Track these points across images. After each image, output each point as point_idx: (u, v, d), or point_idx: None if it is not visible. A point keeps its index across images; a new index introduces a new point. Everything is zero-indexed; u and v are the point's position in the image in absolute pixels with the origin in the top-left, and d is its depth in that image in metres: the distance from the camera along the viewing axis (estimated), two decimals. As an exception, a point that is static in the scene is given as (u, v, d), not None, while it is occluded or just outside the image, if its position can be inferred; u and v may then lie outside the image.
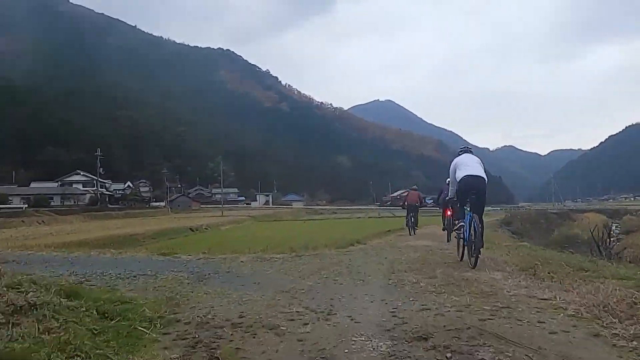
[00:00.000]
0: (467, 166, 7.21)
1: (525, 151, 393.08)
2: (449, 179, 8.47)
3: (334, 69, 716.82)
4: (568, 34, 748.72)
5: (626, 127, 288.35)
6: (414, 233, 16.61)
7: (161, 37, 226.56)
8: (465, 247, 7.22)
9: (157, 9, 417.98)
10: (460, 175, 7.12)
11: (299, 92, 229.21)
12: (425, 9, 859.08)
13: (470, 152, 7.76)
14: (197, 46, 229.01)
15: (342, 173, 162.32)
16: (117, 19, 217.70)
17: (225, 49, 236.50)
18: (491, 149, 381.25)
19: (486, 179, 7.11)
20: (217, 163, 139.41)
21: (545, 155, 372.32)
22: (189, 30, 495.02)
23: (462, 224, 7.19)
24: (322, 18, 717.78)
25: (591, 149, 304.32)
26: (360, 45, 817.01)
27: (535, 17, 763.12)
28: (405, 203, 17.71)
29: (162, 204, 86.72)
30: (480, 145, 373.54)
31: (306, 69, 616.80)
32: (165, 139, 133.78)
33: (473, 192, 6.98)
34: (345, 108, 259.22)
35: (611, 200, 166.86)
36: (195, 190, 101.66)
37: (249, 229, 37.75)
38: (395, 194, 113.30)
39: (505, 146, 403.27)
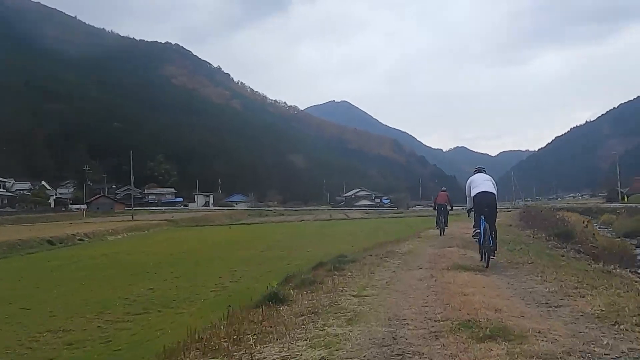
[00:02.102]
0: (480, 184, 9.02)
1: (477, 152, 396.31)
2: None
3: (289, 69, 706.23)
4: (515, 40, 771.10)
5: (571, 129, 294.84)
6: (444, 234, 16.40)
7: (103, 29, 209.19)
8: (481, 249, 8.89)
9: (101, 1, 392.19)
10: (474, 192, 8.97)
11: (251, 89, 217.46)
12: (379, 13, 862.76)
13: (483, 171, 9.61)
14: (143, 40, 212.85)
15: (296, 173, 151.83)
16: (55, 9, 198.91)
17: (173, 43, 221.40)
18: (444, 150, 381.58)
19: (496, 194, 9.02)
20: (158, 162, 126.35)
21: (495, 156, 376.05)
22: (137, 25, 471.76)
23: (478, 230, 8.86)
24: (277, 19, 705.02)
25: (539, 149, 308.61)
26: (315, 47, 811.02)
27: (485, 23, 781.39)
28: (435, 205, 17.65)
29: (84, 206, 73.56)
30: (434, 147, 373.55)
31: (261, 68, 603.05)
32: (98, 136, 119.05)
33: (485, 205, 8.78)
34: (302, 108, 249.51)
35: (559, 199, 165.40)
36: (124, 190, 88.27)
37: (139, 242, 26.91)
38: (350, 193, 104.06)
39: (457, 147, 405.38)
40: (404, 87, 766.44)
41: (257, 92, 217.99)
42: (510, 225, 22.04)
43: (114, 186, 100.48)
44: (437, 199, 17.65)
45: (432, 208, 18.36)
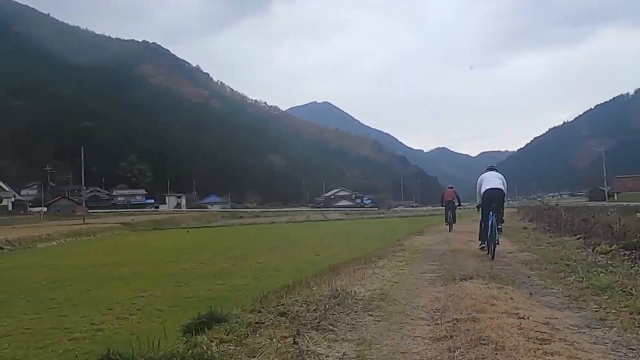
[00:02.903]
0: (489, 181, 9.60)
1: (457, 153, 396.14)
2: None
3: (271, 70, 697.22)
4: (496, 42, 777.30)
5: (549, 130, 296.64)
6: (452, 229, 16.45)
7: (77, 26, 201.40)
8: (487, 241, 9.45)
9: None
10: (483, 188, 9.58)
11: (231, 89, 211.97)
12: (361, 14, 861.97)
13: (494, 169, 10.12)
14: (119, 38, 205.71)
15: (276, 173, 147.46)
16: (27, 5, 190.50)
17: (151, 42, 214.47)
18: (425, 151, 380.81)
19: (504, 190, 9.58)
20: (131, 162, 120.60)
21: (475, 157, 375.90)
22: (114, 24, 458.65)
23: (483, 245, 9.81)
24: (258, 19, 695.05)
25: (518, 150, 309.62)
26: (297, 48, 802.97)
27: (465, 25, 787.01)
28: (443, 201, 17.70)
29: (44, 208, 68.17)
30: (415, 147, 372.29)
31: (242, 69, 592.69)
32: (67, 135, 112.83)
33: (493, 201, 9.33)
34: (283, 109, 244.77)
35: (539, 199, 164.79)
36: (90, 192, 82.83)
37: (67, 250, 22.68)
38: (329, 193, 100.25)
39: (438, 148, 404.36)
40: (386, 89, 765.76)
41: (237, 92, 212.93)
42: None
43: (85, 188, 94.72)
44: (444, 195, 17.71)
45: (440, 205, 18.83)
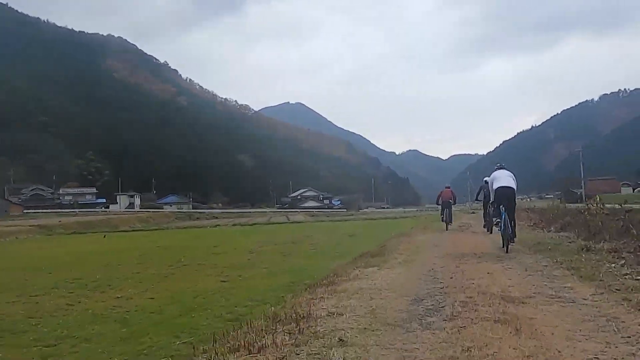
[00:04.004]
0: (501, 179, 9.86)
1: (428, 155, 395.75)
2: (486, 178, 12.81)
3: (243, 70, 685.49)
4: (466, 47, 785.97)
5: (518, 133, 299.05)
6: (448, 229, 16.68)
7: (38, 18, 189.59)
8: (502, 237, 9.60)
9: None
10: (496, 186, 9.87)
11: (200, 86, 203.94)
12: (335, 17, 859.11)
13: (504, 168, 10.34)
14: (82, 31, 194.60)
15: (244, 173, 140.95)
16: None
17: (117, 36, 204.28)
18: (397, 153, 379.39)
19: (515, 188, 9.84)
20: (87, 159, 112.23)
21: (446, 159, 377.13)
22: (80, 18, 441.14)
23: (499, 220, 9.83)
24: (231, 19, 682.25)
25: (487, 153, 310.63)
26: (270, 48, 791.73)
27: (438, 30, 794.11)
28: (440, 200, 17.77)
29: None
30: (387, 149, 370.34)
31: (214, 68, 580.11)
32: (20, 130, 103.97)
33: (505, 199, 9.67)
34: (256, 109, 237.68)
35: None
36: (32, 190, 74.88)
37: None
38: (295, 194, 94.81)
39: (410, 150, 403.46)
40: (359, 91, 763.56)
41: (206, 89, 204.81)
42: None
43: (37, 188, 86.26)
44: (441, 195, 17.83)
45: (437, 203, 18.72)
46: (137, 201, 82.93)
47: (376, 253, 9.93)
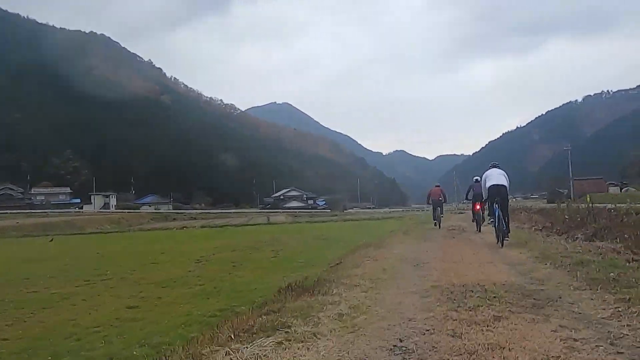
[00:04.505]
0: (493, 177, 10.16)
1: (415, 156, 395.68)
2: (476, 177, 14.27)
3: (230, 69, 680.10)
4: (452, 49, 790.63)
5: (503, 134, 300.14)
6: (440, 227, 16.37)
7: (18, 14, 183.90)
8: (497, 232, 9.83)
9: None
10: (488, 184, 10.13)
11: (185, 85, 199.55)
12: (322, 18, 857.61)
13: (497, 166, 10.58)
14: (64, 28, 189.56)
15: (229, 173, 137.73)
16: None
17: (99, 33, 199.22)
18: (384, 153, 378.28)
19: (507, 186, 10.12)
20: (65, 158, 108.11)
21: (432, 160, 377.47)
22: (64, 16, 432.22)
23: (492, 219, 10.12)
24: (218, 18, 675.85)
25: (473, 153, 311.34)
26: (257, 48, 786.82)
27: (424, 32, 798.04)
28: (430, 199, 17.44)
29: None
30: (374, 150, 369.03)
31: (200, 67, 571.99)
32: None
33: (498, 196, 9.90)
34: (243, 109, 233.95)
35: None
36: (1, 190, 71.15)
37: None
38: (278, 194, 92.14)
39: (396, 151, 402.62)
40: (346, 91, 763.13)
41: (191, 88, 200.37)
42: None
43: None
44: (431, 194, 17.41)
45: (427, 202, 18.36)
46: (113, 201, 79.47)
47: (311, 287, 5.85)
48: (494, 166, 10.67)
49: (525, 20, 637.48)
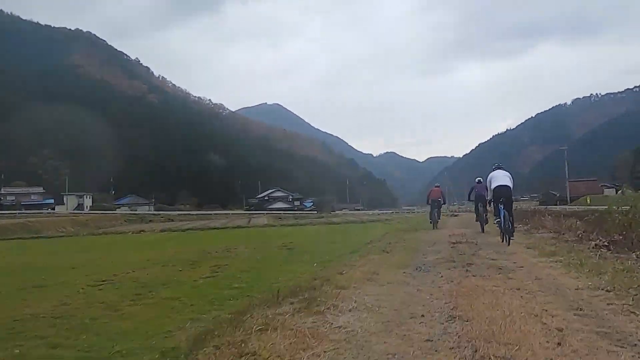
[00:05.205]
0: (498, 178, 10.24)
1: (405, 157, 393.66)
2: (478, 178, 14.67)
3: (221, 70, 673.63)
4: (443, 52, 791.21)
5: (493, 136, 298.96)
6: (437, 227, 16.25)
7: (1, 10, 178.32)
8: (502, 232, 9.94)
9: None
10: (493, 185, 10.22)
11: (173, 85, 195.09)
12: (312, 19, 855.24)
13: (502, 168, 10.67)
14: (48, 25, 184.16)
15: (216, 173, 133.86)
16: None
17: (85, 30, 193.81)
18: (375, 155, 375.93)
19: (512, 187, 10.24)
20: (43, 158, 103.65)
21: (423, 162, 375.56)
22: (50, 13, 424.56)
23: (498, 219, 10.07)
24: (208, 19, 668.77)
25: (463, 155, 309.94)
26: (248, 49, 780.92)
27: (415, 34, 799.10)
28: (429, 199, 17.22)
29: None
30: (364, 151, 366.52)
31: (191, 68, 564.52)
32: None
33: (502, 196, 10.01)
34: (233, 110, 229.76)
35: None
36: (-34, 190, 66.88)
37: None
38: (263, 194, 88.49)
39: (387, 152, 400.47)
40: (337, 93, 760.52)
41: (180, 88, 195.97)
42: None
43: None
44: (430, 194, 17.26)
45: (426, 203, 17.96)
46: (89, 202, 75.26)
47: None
48: (498, 167, 10.70)
49: (516, 24, 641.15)
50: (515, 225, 10.37)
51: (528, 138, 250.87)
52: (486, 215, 13.75)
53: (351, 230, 24.56)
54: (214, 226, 38.14)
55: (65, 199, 72.49)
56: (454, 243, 10.45)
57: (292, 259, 12.19)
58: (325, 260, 10.38)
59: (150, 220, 57.58)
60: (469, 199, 16.70)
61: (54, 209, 66.28)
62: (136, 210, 67.24)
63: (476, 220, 14.91)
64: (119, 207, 72.54)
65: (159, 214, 62.30)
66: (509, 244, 9.40)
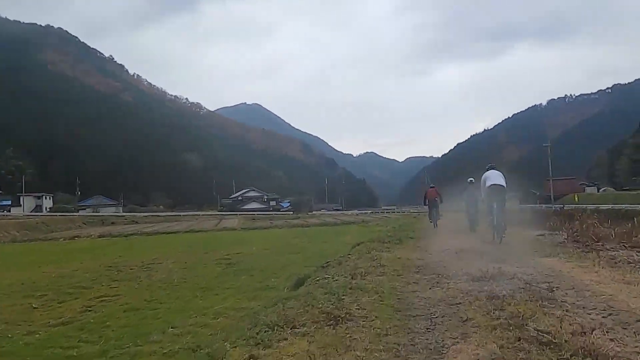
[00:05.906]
0: (492, 178, 10.31)
1: (385, 157, 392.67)
2: (470, 179, 14.70)
3: (199, 69, 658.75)
4: (421, 53, 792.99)
5: (471, 136, 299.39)
6: (436, 226, 16.29)
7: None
8: (494, 231, 10.00)
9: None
10: (487, 184, 10.26)
11: (149, 83, 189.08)
12: (292, 19, 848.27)
13: (494, 168, 10.74)
14: (18, 21, 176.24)
15: (191, 173, 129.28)
16: None
17: (56, 27, 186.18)
18: (355, 155, 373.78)
19: (505, 186, 10.26)
20: (6, 157, 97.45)
21: (402, 162, 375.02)
22: (23, 10, 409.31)
23: (490, 217, 10.28)
24: (186, 18, 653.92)
25: (442, 155, 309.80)
26: (228, 49, 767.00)
27: (394, 35, 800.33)
28: (426, 200, 17.66)
29: None
30: (344, 151, 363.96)
31: (169, 67, 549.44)
32: None
33: (496, 195, 10.15)
34: (212, 109, 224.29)
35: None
36: None
37: None
38: (237, 194, 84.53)
39: (367, 152, 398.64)
40: (317, 93, 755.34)
41: (155, 86, 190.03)
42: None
43: None
44: (427, 195, 17.68)
45: (423, 204, 18.67)
46: (48, 203, 70.24)
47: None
48: (492, 168, 10.89)
49: (492, 25, 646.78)
50: (539, 234, 10.53)
51: (505, 137, 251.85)
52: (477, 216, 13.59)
53: (317, 237, 21.19)
54: (175, 230, 34.38)
55: (21, 199, 67.30)
56: (473, 278, 5.54)
57: (218, 284, 8.77)
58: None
59: (112, 223, 53.37)
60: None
61: (9, 210, 61.30)
62: (99, 212, 62.63)
63: (468, 220, 14.29)
64: (83, 209, 67.68)
65: (124, 216, 57.91)
66: (500, 242, 9.46)
